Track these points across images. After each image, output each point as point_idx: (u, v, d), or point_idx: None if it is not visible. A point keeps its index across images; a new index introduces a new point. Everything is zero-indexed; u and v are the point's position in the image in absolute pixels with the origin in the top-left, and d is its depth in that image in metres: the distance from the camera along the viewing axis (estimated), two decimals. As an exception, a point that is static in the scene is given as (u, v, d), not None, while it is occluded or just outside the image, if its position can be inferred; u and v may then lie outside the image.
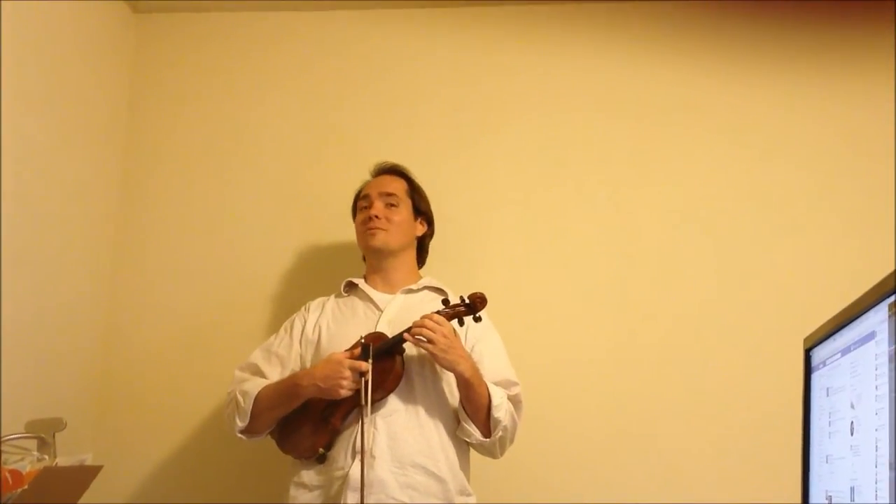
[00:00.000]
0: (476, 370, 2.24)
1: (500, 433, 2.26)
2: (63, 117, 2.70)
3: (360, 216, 2.52)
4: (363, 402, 2.13)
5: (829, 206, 2.81)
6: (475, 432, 2.26)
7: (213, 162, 3.03)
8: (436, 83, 3.02)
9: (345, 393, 2.17)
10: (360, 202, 2.54)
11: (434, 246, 2.63)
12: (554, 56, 2.99)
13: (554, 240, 2.89)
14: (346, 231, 2.60)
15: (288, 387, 2.28)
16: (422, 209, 2.56)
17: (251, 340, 2.79)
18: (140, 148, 3.05)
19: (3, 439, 2.01)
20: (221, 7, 3.10)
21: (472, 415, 2.26)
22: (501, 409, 2.24)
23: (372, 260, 2.52)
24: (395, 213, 2.47)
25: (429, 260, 2.63)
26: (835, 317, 1.31)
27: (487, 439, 2.27)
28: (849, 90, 2.86)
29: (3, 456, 1.88)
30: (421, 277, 2.54)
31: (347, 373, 2.16)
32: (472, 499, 2.32)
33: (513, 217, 2.91)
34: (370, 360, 2.15)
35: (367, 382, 2.14)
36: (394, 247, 2.47)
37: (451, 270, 2.64)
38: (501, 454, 2.34)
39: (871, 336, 1.13)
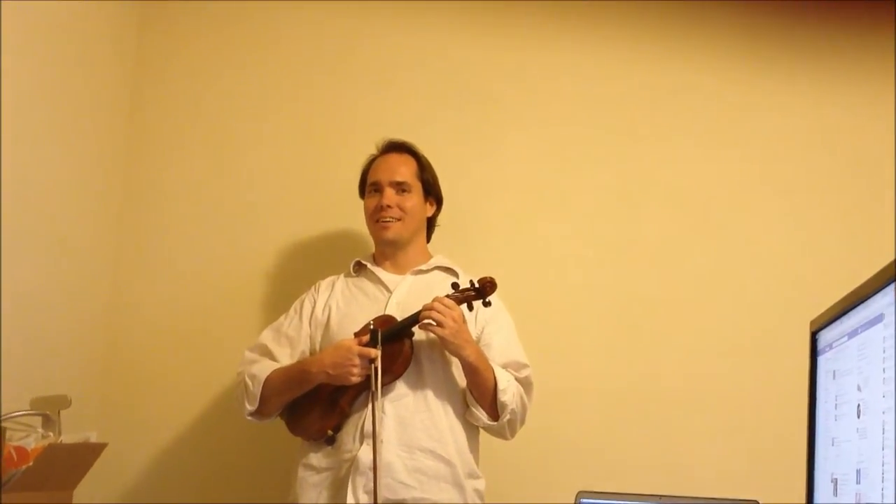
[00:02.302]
0: (481, 354, 2.24)
1: (509, 416, 2.25)
2: (66, 105, 2.68)
3: (370, 202, 2.46)
4: (373, 387, 2.12)
5: (836, 191, 2.82)
6: (482, 416, 2.26)
7: (216, 146, 3.01)
8: (444, 72, 2.99)
9: (355, 380, 2.17)
10: (370, 186, 2.48)
11: (440, 228, 2.61)
12: (560, 48, 2.97)
13: (559, 223, 2.88)
14: (352, 217, 2.59)
15: (297, 373, 2.28)
16: (431, 189, 2.51)
17: (257, 320, 2.80)
18: (144, 133, 3.03)
19: (8, 416, 2.02)
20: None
21: (478, 399, 2.26)
22: (508, 392, 2.24)
23: (383, 248, 2.48)
24: (406, 200, 2.42)
25: (437, 242, 2.60)
26: (842, 300, 1.30)
27: (495, 422, 2.27)
28: (851, 78, 2.87)
29: (9, 433, 1.88)
30: (431, 256, 2.52)
31: (357, 360, 2.16)
32: (481, 482, 2.31)
33: (517, 200, 2.90)
34: (379, 347, 2.15)
35: (376, 369, 2.13)
36: (407, 237, 2.44)
37: (456, 252, 2.62)
38: (512, 436, 2.33)
39: (879, 318, 1.12)
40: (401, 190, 2.43)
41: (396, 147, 2.51)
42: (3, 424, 1.93)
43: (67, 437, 2.05)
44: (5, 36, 2.32)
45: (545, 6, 2.98)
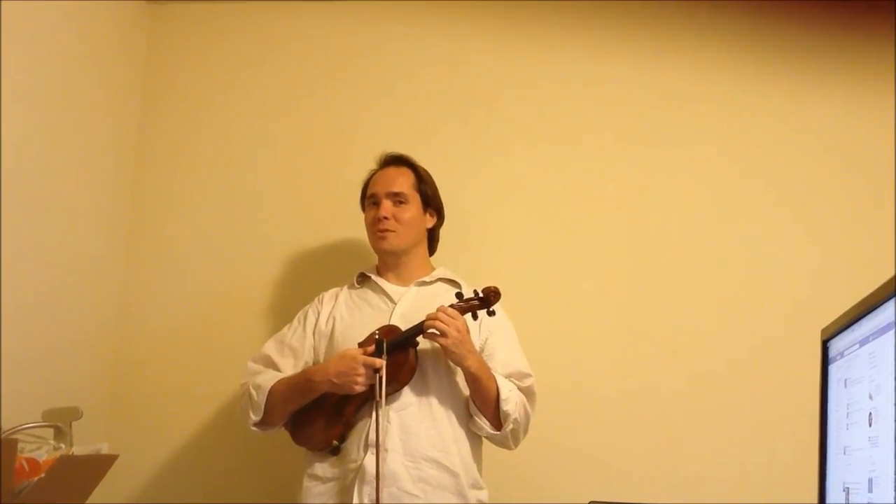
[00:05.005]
0: (483, 364, 2.25)
1: (512, 426, 2.26)
2: (77, 107, 2.70)
3: (368, 214, 2.49)
4: (377, 397, 2.13)
5: (846, 197, 2.80)
6: (485, 425, 2.27)
7: (226, 152, 3.03)
8: (449, 76, 3.00)
9: (359, 389, 2.18)
10: (368, 199, 2.51)
11: (445, 238, 2.62)
12: (565, 49, 2.97)
13: (566, 232, 2.88)
14: (356, 228, 2.60)
15: (302, 382, 2.28)
16: (430, 201, 2.53)
17: (264, 330, 2.81)
18: (153, 137, 3.06)
19: (20, 428, 2.02)
20: (235, -3, 3.10)
21: (481, 408, 2.26)
22: (510, 402, 2.24)
23: (384, 259, 2.50)
24: (404, 212, 2.44)
25: (441, 252, 2.62)
26: (852, 308, 1.30)
27: (498, 432, 2.27)
28: (857, 82, 2.85)
29: (20, 444, 1.89)
30: (434, 268, 2.53)
31: (362, 369, 2.17)
32: (485, 492, 2.32)
33: (523, 209, 2.90)
34: (384, 356, 2.16)
35: (381, 378, 2.14)
36: (404, 247, 2.46)
37: (461, 263, 2.62)
38: (516, 445, 2.33)
39: (889, 326, 1.12)
40: (398, 201, 2.45)
41: (394, 160, 2.54)
42: (15, 436, 1.94)
43: (79, 449, 2.05)
44: (12, 38, 2.34)
45: (550, 13, 2.98)
